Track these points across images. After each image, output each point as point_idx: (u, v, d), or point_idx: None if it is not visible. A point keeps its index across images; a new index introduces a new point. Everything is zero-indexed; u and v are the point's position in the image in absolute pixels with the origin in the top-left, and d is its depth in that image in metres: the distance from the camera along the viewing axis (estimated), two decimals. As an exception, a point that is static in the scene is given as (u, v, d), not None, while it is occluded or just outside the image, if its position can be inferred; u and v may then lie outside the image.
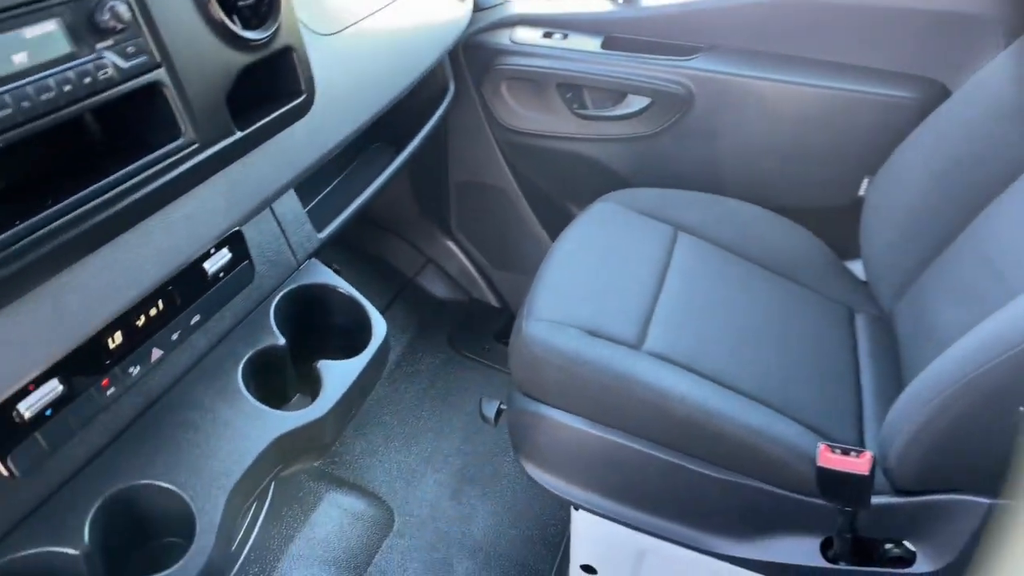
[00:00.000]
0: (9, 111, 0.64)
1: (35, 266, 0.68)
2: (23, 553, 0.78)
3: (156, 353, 0.88)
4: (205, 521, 0.89)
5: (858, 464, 0.97)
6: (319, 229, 1.29)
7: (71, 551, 0.80)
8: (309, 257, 1.25)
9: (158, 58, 0.79)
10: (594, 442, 1.24)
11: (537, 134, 1.90)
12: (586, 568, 1.44)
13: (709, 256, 1.51)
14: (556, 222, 2.00)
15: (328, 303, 1.23)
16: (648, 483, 1.21)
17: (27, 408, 0.73)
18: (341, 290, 1.22)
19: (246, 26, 0.91)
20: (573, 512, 1.35)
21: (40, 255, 0.68)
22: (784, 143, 1.70)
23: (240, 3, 0.90)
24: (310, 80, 1.04)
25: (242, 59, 0.91)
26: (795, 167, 1.72)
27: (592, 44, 1.78)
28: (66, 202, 0.71)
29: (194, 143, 0.85)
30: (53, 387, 0.76)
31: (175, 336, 0.91)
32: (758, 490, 1.11)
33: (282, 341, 1.10)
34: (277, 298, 1.15)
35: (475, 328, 2.33)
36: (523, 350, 1.29)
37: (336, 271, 1.25)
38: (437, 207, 2.27)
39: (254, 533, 1.59)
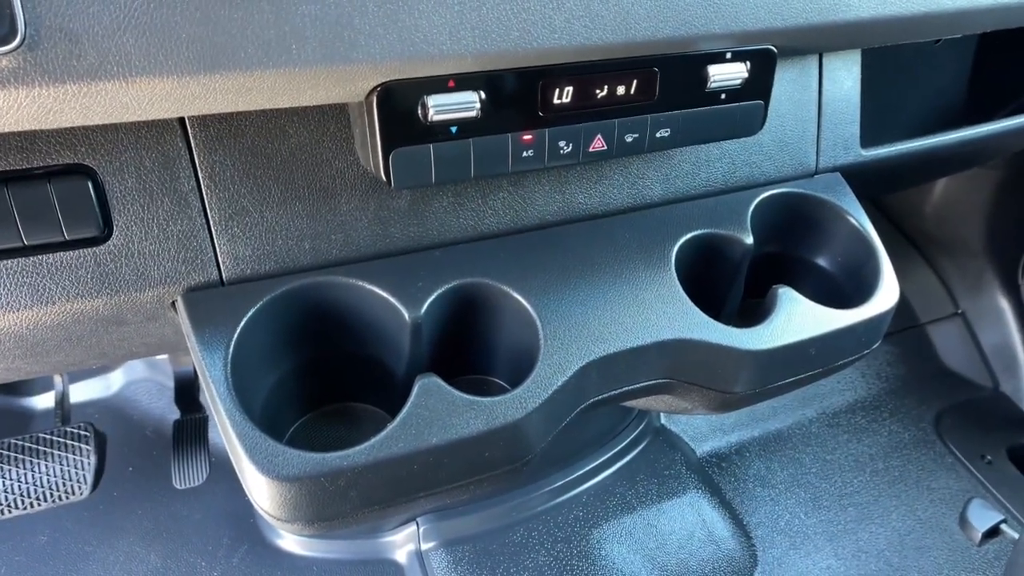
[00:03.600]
0: None
1: None
2: (369, 287, 0.65)
3: (598, 143, 0.66)
4: (544, 371, 0.64)
5: None
6: (865, 143, 0.91)
7: (404, 312, 0.64)
8: (834, 171, 0.89)
9: None
10: None
11: None
12: None
13: None
14: None
15: (821, 227, 0.85)
16: None
17: (435, 107, 0.57)
18: (851, 219, 0.83)
19: None
20: None
21: None
22: None
23: None
24: None
25: None
26: None
27: None
28: None
29: None
30: (471, 100, 0.58)
31: (630, 138, 0.67)
32: None
33: (749, 240, 0.78)
34: (766, 194, 0.83)
35: (979, 425, 1.64)
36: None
37: None
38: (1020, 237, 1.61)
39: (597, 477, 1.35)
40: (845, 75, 0.86)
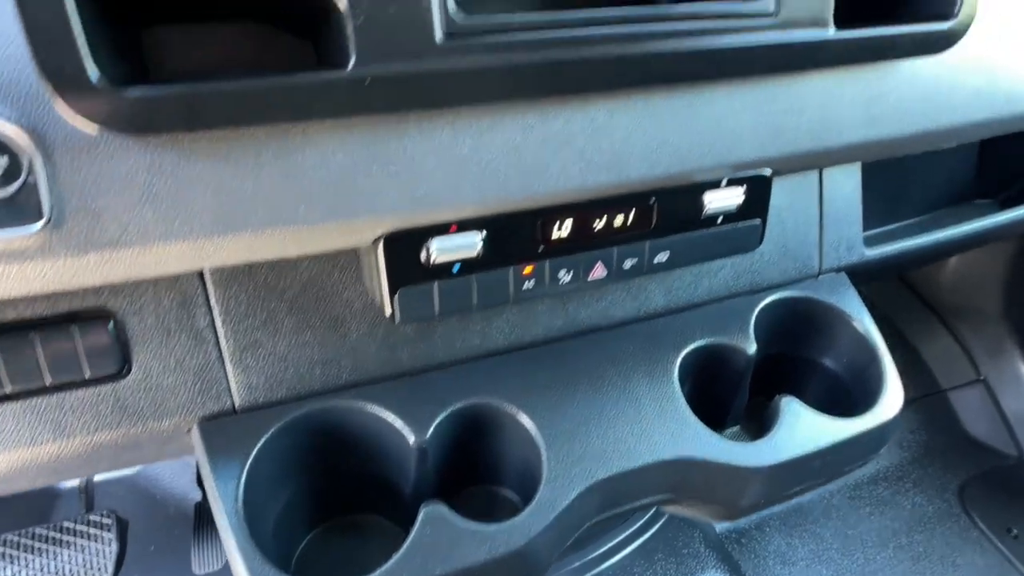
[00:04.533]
0: None
1: (530, 74, 0.53)
2: (377, 411, 0.67)
3: (598, 270, 0.68)
4: (546, 496, 0.65)
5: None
6: (869, 243, 0.92)
7: (410, 437, 0.66)
8: (839, 271, 0.90)
9: None
10: None
11: None
12: None
13: None
14: None
15: (826, 332, 0.86)
16: None
17: (438, 250, 0.60)
18: (855, 323, 0.84)
19: None
20: None
21: (542, 61, 0.53)
22: None
23: None
24: (972, 6, 0.68)
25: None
26: None
27: None
28: (598, 13, 0.53)
29: (770, 13, 0.59)
30: (473, 241, 0.61)
31: (628, 264, 0.69)
32: None
33: (752, 349, 0.79)
34: (769, 299, 0.84)
35: (1005, 496, 1.60)
36: None
37: None
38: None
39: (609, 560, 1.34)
40: (845, 180, 0.87)
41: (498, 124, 0.57)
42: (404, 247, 0.59)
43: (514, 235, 0.62)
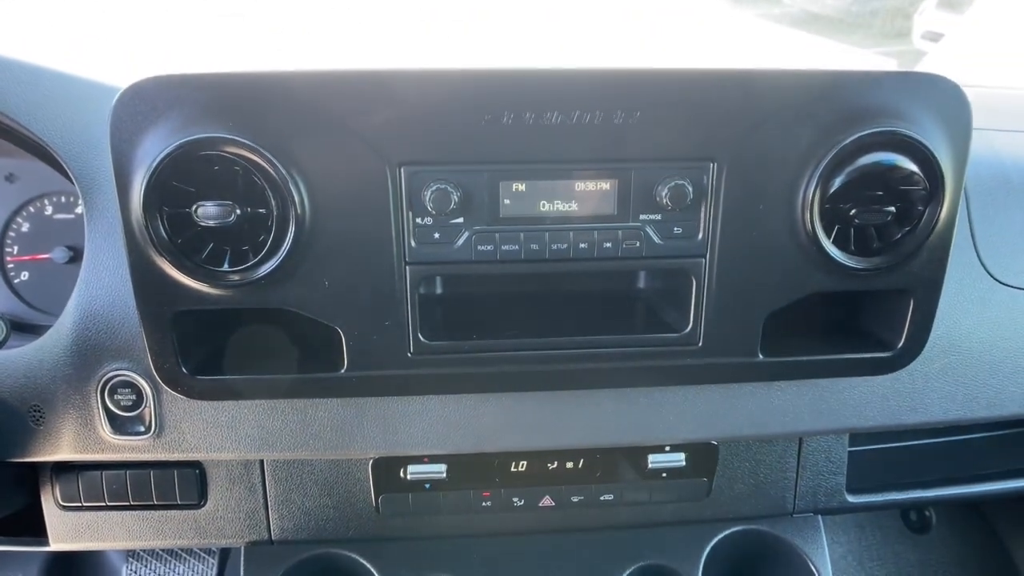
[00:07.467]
0: (565, 246, 0.67)
1: (478, 379, 0.71)
2: (368, 566, 0.89)
3: (547, 501, 0.84)
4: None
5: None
6: (854, 488, 0.97)
7: None
8: (817, 512, 0.97)
9: (703, 249, 0.68)
10: None
11: None
12: None
13: None
14: None
15: (780, 569, 0.94)
16: None
17: (412, 472, 0.80)
18: (809, 564, 0.91)
19: (861, 248, 0.70)
20: None
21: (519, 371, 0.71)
22: None
23: (871, 220, 0.68)
24: (919, 335, 0.75)
25: (824, 282, 0.71)
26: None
27: None
28: (558, 339, 0.71)
29: (693, 343, 0.72)
30: (439, 469, 0.80)
31: (575, 499, 0.84)
32: None
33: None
34: (730, 531, 0.93)
35: None
36: None
37: None
38: None
39: None
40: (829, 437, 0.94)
41: (459, 400, 0.75)
42: (388, 468, 0.80)
43: (474, 469, 0.81)
